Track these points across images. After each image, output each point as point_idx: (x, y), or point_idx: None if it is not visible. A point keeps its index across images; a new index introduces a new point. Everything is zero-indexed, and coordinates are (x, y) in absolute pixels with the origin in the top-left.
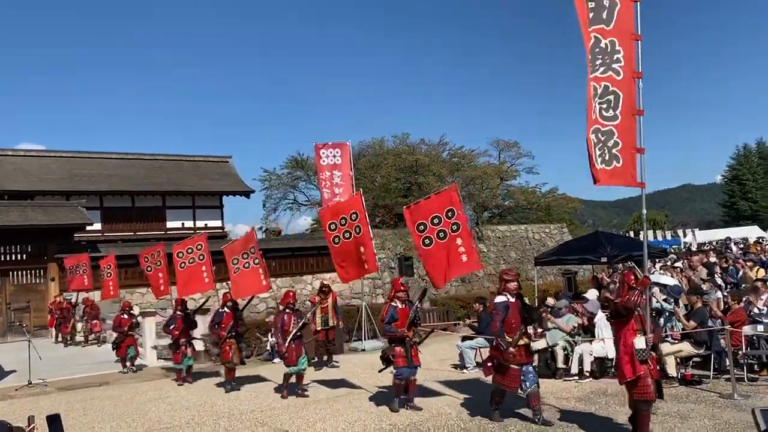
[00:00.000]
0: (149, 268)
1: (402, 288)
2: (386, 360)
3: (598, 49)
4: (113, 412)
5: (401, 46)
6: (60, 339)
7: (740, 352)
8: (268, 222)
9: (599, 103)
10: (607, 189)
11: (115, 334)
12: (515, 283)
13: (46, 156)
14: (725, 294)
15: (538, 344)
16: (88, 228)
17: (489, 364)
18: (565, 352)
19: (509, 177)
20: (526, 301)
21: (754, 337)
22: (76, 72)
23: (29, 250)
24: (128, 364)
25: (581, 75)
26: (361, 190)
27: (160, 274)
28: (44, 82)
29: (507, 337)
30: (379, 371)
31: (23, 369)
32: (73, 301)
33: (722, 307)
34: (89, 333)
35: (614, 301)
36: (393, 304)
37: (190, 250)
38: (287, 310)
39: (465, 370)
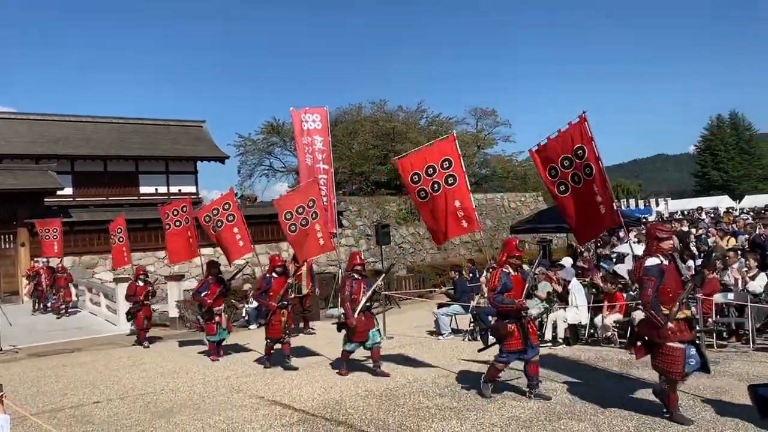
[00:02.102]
0: (168, 226)
1: (517, 252)
2: (498, 339)
3: None
4: (86, 378)
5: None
6: (39, 307)
7: (710, 320)
8: (243, 188)
9: None
10: None
11: (129, 304)
12: (671, 241)
13: (15, 118)
14: (697, 264)
15: None
16: (59, 192)
17: (639, 343)
18: (539, 318)
19: (486, 145)
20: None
21: (724, 305)
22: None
23: None
24: (146, 342)
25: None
26: (454, 132)
27: (189, 233)
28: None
29: (663, 309)
30: (479, 351)
31: None
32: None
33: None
34: (61, 301)
35: None
36: (505, 270)
37: (216, 211)
38: (355, 276)
39: (440, 337)
